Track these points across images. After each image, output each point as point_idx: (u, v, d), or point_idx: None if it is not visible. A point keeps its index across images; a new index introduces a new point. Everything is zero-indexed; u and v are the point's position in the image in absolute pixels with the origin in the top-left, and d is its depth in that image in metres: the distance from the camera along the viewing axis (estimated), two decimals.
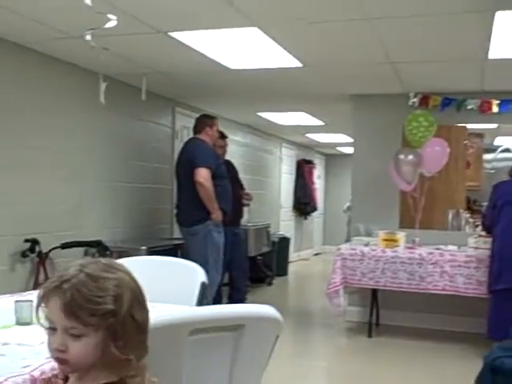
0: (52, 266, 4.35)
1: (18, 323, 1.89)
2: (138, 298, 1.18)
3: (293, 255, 10.12)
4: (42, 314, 1.16)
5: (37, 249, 4.27)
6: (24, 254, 4.21)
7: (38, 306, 1.15)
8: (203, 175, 4.78)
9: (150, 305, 1.21)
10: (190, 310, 1.64)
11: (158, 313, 1.43)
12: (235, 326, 1.44)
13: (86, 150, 4.92)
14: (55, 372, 1.33)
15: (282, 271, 8.71)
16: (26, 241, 4.21)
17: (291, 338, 5.05)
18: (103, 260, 1.20)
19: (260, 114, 7.28)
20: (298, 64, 4.49)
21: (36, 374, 1.36)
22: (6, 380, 1.29)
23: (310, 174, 11.22)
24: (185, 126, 6.45)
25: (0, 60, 3.98)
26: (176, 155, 5.69)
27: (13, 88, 4.10)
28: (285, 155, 10.31)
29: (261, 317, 1.48)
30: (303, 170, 10.89)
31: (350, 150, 7.86)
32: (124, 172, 5.45)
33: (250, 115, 7.41)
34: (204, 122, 5.17)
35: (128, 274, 1.19)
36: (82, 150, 4.87)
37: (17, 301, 1.99)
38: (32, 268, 4.31)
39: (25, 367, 1.39)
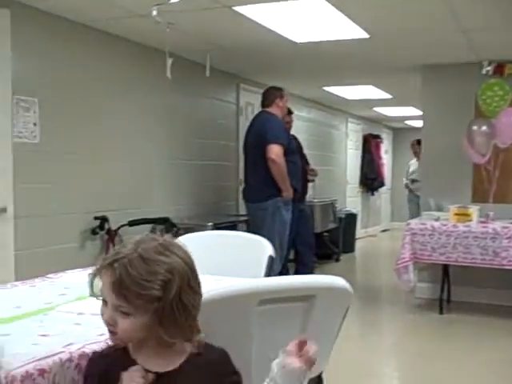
0: (121, 243, 4.48)
1: (92, 296, 1.95)
2: (189, 283, 1.15)
3: (360, 232, 10.00)
4: (97, 285, 1.18)
5: (106, 226, 4.40)
6: (94, 232, 4.36)
7: (94, 277, 1.18)
8: (276, 152, 4.69)
9: (216, 278, 1.21)
10: (258, 280, 1.64)
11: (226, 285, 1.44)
12: (305, 297, 1.43)
13: (152, 128, 5.00)
14: None
15: (349, 248, 8.63)
16: (96, 218, 4.35)
17: (359, 314, 5.00)
18: (161, 240, 1.18)
19: (326, 88, 7.17)
20: (365, 35, 4.37)
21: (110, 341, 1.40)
22: (83, 346, 1.33)
23: (377, 148, 11.00)
24: (249, 102, 6.44)
25: (64, 40, 4.08)
26: (241, 132, 5.70)
27: (77, 68, 4.20)
28: (351, 130, 10.14)
29: (332, 288, 1.46)
30: (370, 144, 10.68)
31: (418, 124, 7.62)
32: (189, 149, 5.52)
33: (316, 90, 7.31)
34: (273, 93, 5.04)
35: (183, 257, 1.17)
36: (149, 129, 4.96)
37: (90, 273, 2.05)
38: (101, 245, 4.46)
39: (100, 335, 1.43)
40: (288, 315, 1.45)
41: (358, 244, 9.23)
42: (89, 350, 1.32)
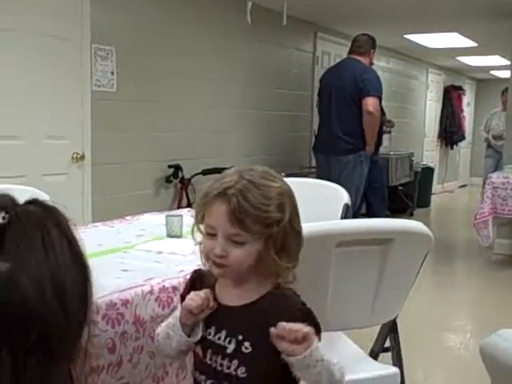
0: (193, 192, 4.56)
1: (169, 236, 1.99)
2: (296, 208, 1.15)
3: (436, 187, 9.70)
4: (196, 225, 1.17)
5: (179, 174, 4.48)
6: (168, 180, 4.45)
7: (197, 214, 1.16)
8: (374, 105, 4.52)
9: None
10: (338, 222, 1.62)
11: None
12: (384, 240, 1.39)
13: (227, 77, 4.98)
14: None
15: (424, 202, 8.39)
16: (170, 167, 4.43)
17: (435, 269, 4.90)
18: (258, 168, 1.17)
19: (407, 36, 6.85)
20: None
21: None
22: (163, 281, 1.36)
23: (459, 100, 10.50)
24: (326, 51, 6.27)
25: None
26: (317, 82, 5.57)
27: (154, 15, 4.21)
28: (431, 81, 9.71)
29: (411, 231, 1.41)
30: (451, 96, 10.20)
31: (505, 74, 7.18)
32: (263, 99, 5.47)
33: (396, 38, 7.00)
34: (369, 43, 4.80)
35: (285, 183, 1.16)
36: (224, 77, 4.94)
37: (168, 215, 2.10)
38: (175, 193, 4.55)
39: (179, 272, 1.46)
40: (366, 258, 1.42)
41: (434, 199, 8.96)
42: (169, 284, 1.35)
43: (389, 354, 1.82)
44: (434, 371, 2.87)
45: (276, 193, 1.11)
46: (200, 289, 1.17)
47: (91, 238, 1.94)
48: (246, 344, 1.11)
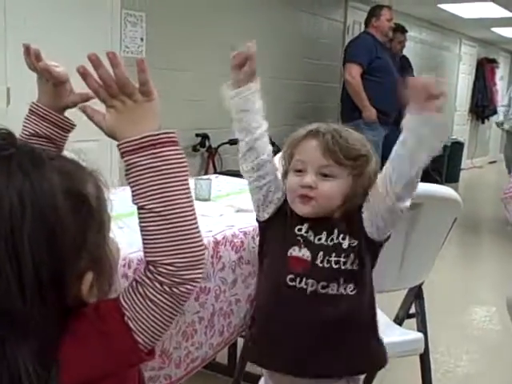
0: (220, 162, 4.57)
1: (198, 199, 2.02)
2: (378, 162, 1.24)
3: (465, 162, 9.55)
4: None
5: (206, 144, 4.49)
6: (195, 149, 4.46)
7: (285, 154, 1.26)
8: (349, 71, 4.62)
9: None
10: None
11: None
12: (412, 205, 1.39)
13: (257, 45, 4.93)
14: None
15: (453, 178, 8.28)
16: (197, 135, 4.44)
17: (460, 242, 4.86)
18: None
19: (441, 5, 6.68)
20: None
21: (218, 237, 1.45)
22: None
23: (492, 74, 10.25)
24: (357, 20, 6.16)
25: None
26: None
27: None
28: (464, 53, 9.48)
29: (440, 196, 1.41)
30: (484, 69, 9.96)
31: None
32: (292, 69, 5.42)
33: (429, 7, 6.83)
34: (369, 13, 4.92)
35: None
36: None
37: (197, 179, 2.12)
38: (201, 162, 4.57)
39: (208, 232, 1.48)
40: None
41: (463, 175, 8.84)
42: None
43: (412, 322, 1.83)
44: (458, 342, 2.87)
45: (361, 137, 1.23)
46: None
47: (121, 200, 1.97)
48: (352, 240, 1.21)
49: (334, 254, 1.19)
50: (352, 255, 1.20)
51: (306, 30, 5.57)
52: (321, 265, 1.19)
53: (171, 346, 1.37)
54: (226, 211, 1.78)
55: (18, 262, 0.67)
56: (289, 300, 1.22)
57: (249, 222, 1.61)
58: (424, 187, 1.49)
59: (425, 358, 1.73)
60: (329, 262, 1.18)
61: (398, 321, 1.79)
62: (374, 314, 1.28)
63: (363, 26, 5.21)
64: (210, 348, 1.52)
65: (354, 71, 4.60)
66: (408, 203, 1.17)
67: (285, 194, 1.29)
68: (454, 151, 8.15)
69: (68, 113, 1.15)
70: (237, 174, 3.19)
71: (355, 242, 1.20)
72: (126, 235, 1.43)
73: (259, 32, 4.95)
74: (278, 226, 1.27)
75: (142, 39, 3.95)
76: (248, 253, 1.48)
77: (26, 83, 3.47)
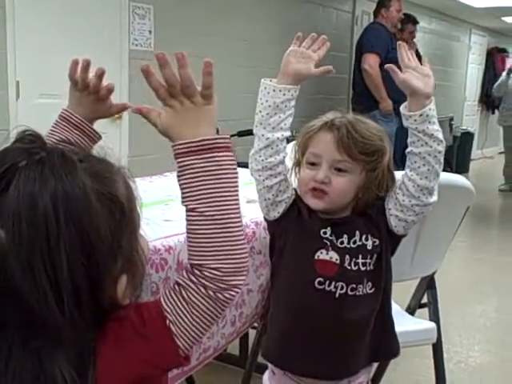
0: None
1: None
2: (391, 153, 1.22)
3: (476, 152, 9.49)
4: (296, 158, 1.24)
5: None
6: None
7: (299, 146, 1.24)
8: (368, 61, 4.58)
9: None
10: None
11: None
12: None
13: (264, 37, 4.92)
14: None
15: (463, 168, 8.24)
16: None
17: (471, 233, 4.84)
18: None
19: None
20: None
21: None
22: None
23: (502, 63, 10.13)
24: (365, 11, 6.12)
25: None
26: (355, 42, 5.47)
27: None
28: (474, 43, 9.40)
29: (452, 185, 1.40)
30: (494, 59, 9.87)
31: None
32: None
33: None
34: (379, 3, 4.92)
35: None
36: (261, 37, 4.88)
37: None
38: None
39: None
40: None
41: (473, 165, 8.78)
42: None
43: (424, 312, 1.82)
44: (470, 332, 2.86)
45: (377, 129, 1.20)
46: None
47: None
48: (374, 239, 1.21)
49: (360, 256, 1.18)
50: (375, 255, 1.20)
51: (315, 21, 5.54)
52: (349, 267, 1.18)
53: None
54: None
55: (54, 271, 0.65)
56: (316, 303, 1.21)
57: (260, 212, 1.60)
58: None
59: (438, 348, 1.72)
60: (356, 264, 1.18)
61: (410, 310, 1.78)
62: (390, 307, 1.27)
63: (372, 16, 5.18)
64: (222, 338, 1.52)
65: (373, 61, 4.58)
66: (436, 195, 1.18)
67: (294, 192, 1.26)
68: (463, 141, 8.11)
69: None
70: (246, 165, 3.18)
71: (377, 241, 1.20)
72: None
73: (267, 24, 4.93)
74: (293, 226, 1.25)
75: (150, 32, 3.94)
76: (259, 243, 1.47)
77: (36, 77, 3.48)
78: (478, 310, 3.19)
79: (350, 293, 1.19)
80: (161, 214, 1.60)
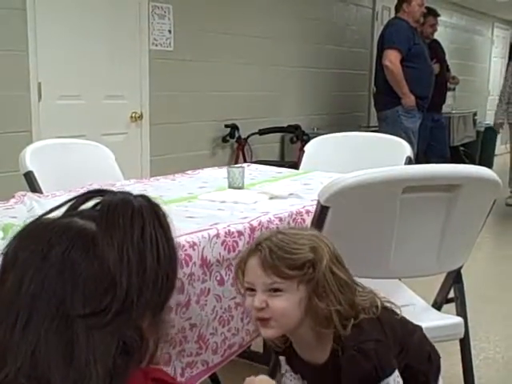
0: (250, 152, 4.56)
1: (231, 187, 2.02)
2: (336, 257, 1.12)
3: (500, 147, 9.34)
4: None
5: (236, 134, 4.48)
6: (224, 139, 4.46)
7: (237, 275, 1.17)
8: (389, 57, 4.54)
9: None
10: (405, 167, 1.59)
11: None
12: (451, 186, 1.36)
13: (284, 34, 4.91)
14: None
15: (487, 164, 8.11)
16: (226, 126, 4.43)
17: (496, 229, 4.77)
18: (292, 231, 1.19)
19: None
20: None
21: (254, 223, 1.44)
22: (228, 225, 1.38)
23: None
24: (385, 6, 6.07)
25: None
26: (376, 39, 5.43)
27: None
28: (497, 36, 9.27)
29: (479, 177, 1.37)
30: None
31: None
32: (321, 57, 5.37)
33: None
34: None
35: (324, 236, 1.16)
36: (281, 35, 4.87)
37: (230, 167, 2.12)
38: (231, 153, 4.57)
39: (243, 218, 1.48)
40: (432, 205, 1.39)
41: (497, 160, 8.63)
42: (234, 229, 1.37)
43: (451, 307, 1.80)
44: (497, 328, 2.81)
45: (308, 239, 1.11)
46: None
47: (154, 190, 1.99)
48: None
49: None
50: None
51: (336, 18, 5.51)
52: None
53: (208, 332, 1.37)
54: (260, 198, 1.77)
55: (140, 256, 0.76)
56: None
57: (283, 208, 1.60)
58: (462, 168, 1.46)
59: (465, 343, 1.69)
60: None
61: (437, 306, 1.75)
62: None
63: (392, 11, 5.13)
64: (247, 334, 1.51)
65: (394, 57, 4.55)
66: None
67: None
68: (487, 136, 7.99)
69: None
70: (266, 163, 3.17)
71: None
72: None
73: (287, 20, 4.91)
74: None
75: (169, 31, 3.96)
76: None
77: (57, 78, 3.52)
78: (505, 306, 3.14)
79: None
80: (184, 211, 1.60)
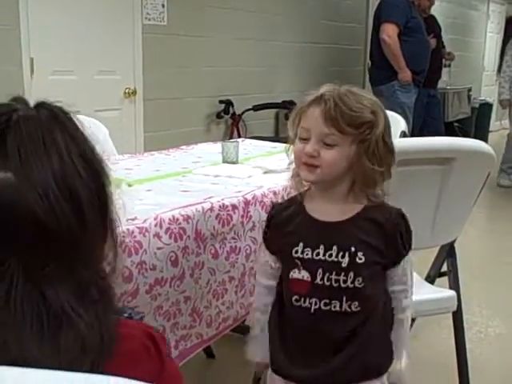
0: (244, 128, 4.53)
1: (225, 161, 2.01)
2: (388, 123, 1.18)
3: (494, 124, 9.34)
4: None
5: (230, 110, 4.45)
6: (219, 115, 4.42)
7: (294, 121, 1.20)
8: (387, 31, 4.49)
9: None
10: (398, 141, 1.58)
11: None
12: (445, 159, 1.36)
13: (277, 9, 4.85)
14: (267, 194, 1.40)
15: (481, 139, 7.96)
16: (221, 102, 4.40)
17: (488, 204, 4.79)
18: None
19: None
20: None
21: (248, 197, 1.44)
22: (222, 199, 1.38)
23: None
24: None
25: None
26: (371, 13, 5.38)
27: None
28: (492, 11, 9.20)
29: (473, 150, 1.38)
30: None
31: None
32: (315, 32, 5.32)
33: None
34: None
35: (382, 106, 1.21)
36: (274, 10, 4.81)
37: (224, 142, 2.11)
38: (226, 129, 4.54)
39: (237, 192, 1.48)
40: (426, 178, 1.40)
41: (491, 137, 8.62)
42: (228, 202, 1.37)
43: (444, 280, 1.81)
44: (489, 302, 2.84)
45: (369, 101, 1.17)
46: (274, 229, 1.24)
47: (148, 164, 1.98)
48: (360, 254, 1.16)
49: (334, 273, 1.16)
50: (352, 273, 1.16)
51: None
52: (321, 282, 1.17)
53: (202, 305, 1.38)
54: (255, 172, 1.78)
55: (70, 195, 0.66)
56: (295, 318, 1.23)
57: (277, 183, 1.60)
58: (456, 141, 1.46)
59: (458, 317, 1.71)
60: (329, 279, 1.17)
61: (430, 279, 1.77)
62: (390, 315, 1.24)
63: None
64: (242, 308, 1.53)
65: (391, 31, 4.50)
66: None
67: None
68: (482, 112, 7.97)
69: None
70: (261, 138, 3.15)
71: (363, 259, 1.16)
72: (154, 197, 1.44)
73: None
74: (275, 240, 1.26)
75: (163, 5, 3.90)
76: None
77: (49, 53, 3.47)
78: (498, 280, 3.17)
79: (323, 308, 1.18)
80: (178, 185, 1.60)
